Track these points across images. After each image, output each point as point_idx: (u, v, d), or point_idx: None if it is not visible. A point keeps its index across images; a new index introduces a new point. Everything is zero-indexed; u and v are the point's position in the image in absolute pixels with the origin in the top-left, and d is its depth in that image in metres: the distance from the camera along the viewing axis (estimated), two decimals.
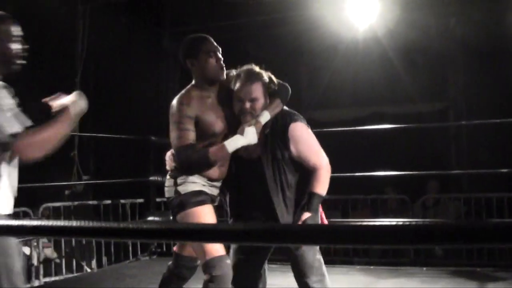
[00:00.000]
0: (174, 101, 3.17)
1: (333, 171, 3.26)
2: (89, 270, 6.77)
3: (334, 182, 3.29)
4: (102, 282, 5.79)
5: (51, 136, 2.51)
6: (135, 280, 5.82)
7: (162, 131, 7.44)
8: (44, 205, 6.36)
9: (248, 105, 3.12)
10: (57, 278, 6.23)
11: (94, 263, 6.95)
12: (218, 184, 3.27)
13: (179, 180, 3.16)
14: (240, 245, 3.29)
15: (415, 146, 8.11)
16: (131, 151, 7.91)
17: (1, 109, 2.44)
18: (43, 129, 2.50)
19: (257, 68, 3.20)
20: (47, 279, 6.11)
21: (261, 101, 3.14)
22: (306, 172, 3.20)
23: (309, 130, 3.26)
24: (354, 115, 8.81)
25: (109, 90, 8.19)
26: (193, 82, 3.23)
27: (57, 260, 6.57)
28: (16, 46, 2.64)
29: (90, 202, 7.03)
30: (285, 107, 3.27)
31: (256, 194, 3.20)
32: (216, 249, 3.05)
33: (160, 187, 7.42)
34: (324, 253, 6.28)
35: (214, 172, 3.18)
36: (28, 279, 5.79)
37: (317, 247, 3.29)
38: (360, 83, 8.51)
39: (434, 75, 8.54)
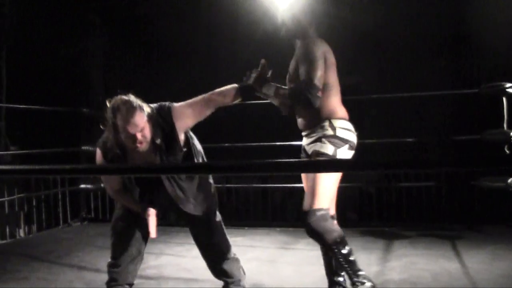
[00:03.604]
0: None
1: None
2: (18, 237, 6.80)
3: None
4: (40, 245, 5.88)
5: None
6: (72, 242, 6.05)
7: (92, 103, 7.55)
8: None
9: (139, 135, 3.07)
10: None
11: (21, 231, 7.05)
12: None
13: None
14: (124, 214, 3.37)
15: None
16: (62, 122, 8.00)
17: None
18: None
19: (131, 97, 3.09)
20: None
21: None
22: None
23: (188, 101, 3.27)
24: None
25: (39, 62, 8.22)
26: None
27: None
28: None
29: None
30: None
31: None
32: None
33: (91, 156, 7.57)
34: (247, 217, 6.70)
35: None
36: None
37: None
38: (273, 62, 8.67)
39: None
